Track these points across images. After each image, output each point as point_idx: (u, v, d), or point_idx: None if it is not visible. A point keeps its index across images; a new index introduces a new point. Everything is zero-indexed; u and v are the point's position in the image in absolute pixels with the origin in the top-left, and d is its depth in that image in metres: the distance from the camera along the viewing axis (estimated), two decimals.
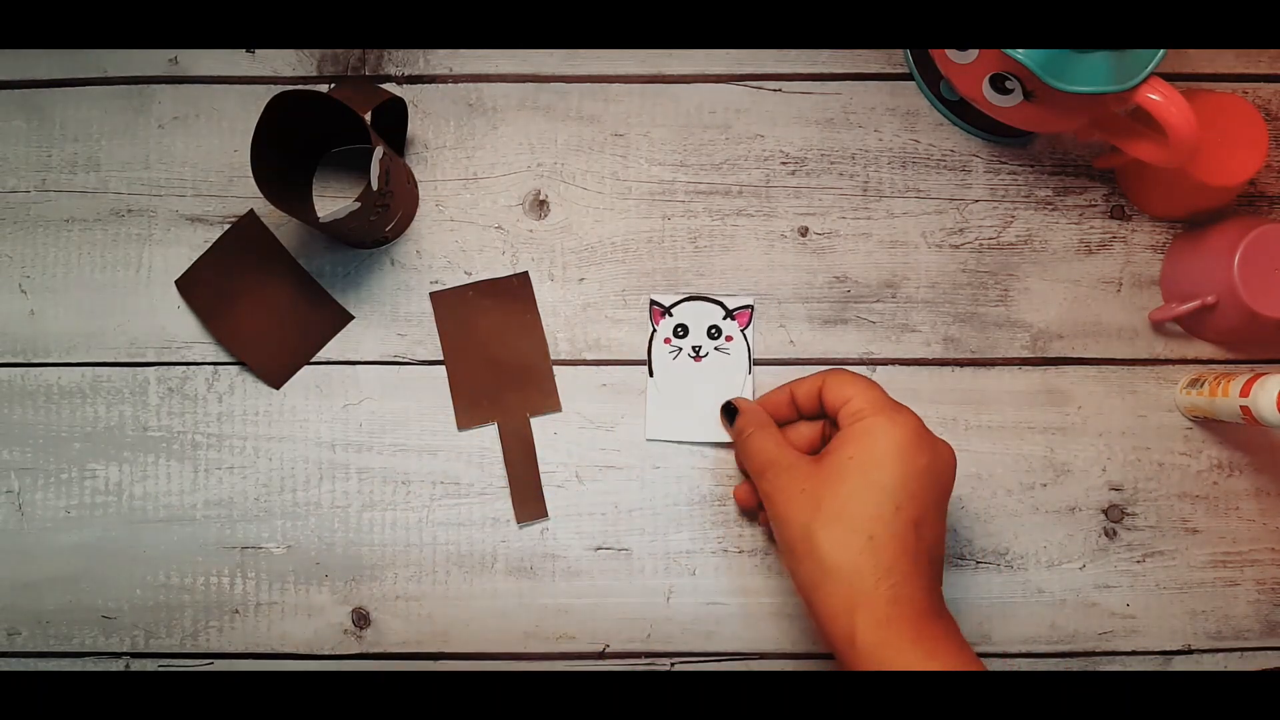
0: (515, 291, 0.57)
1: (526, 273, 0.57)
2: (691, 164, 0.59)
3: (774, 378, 0.57)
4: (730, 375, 0.57)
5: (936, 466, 0.46)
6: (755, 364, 0.57)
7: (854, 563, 0.43)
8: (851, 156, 0.59)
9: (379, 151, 0.49)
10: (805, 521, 0.45)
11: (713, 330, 0.58)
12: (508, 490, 0.56)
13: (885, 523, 0.44)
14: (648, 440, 0.57)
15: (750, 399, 0.56)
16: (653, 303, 0.58)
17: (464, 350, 0.56)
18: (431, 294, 0.57)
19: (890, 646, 0.41)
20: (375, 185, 0.49)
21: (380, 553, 0.56)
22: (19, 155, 0.58)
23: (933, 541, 0.45)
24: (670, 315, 0.58)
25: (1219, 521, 0.58)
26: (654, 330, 0.58)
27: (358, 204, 0.49)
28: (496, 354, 0.56)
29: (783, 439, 0.50)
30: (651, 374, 0.57)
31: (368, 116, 0.50)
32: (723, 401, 0.55)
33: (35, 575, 0.56)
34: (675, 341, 0.57)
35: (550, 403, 0.56)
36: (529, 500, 0.56)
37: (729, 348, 0.57)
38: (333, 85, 0.57)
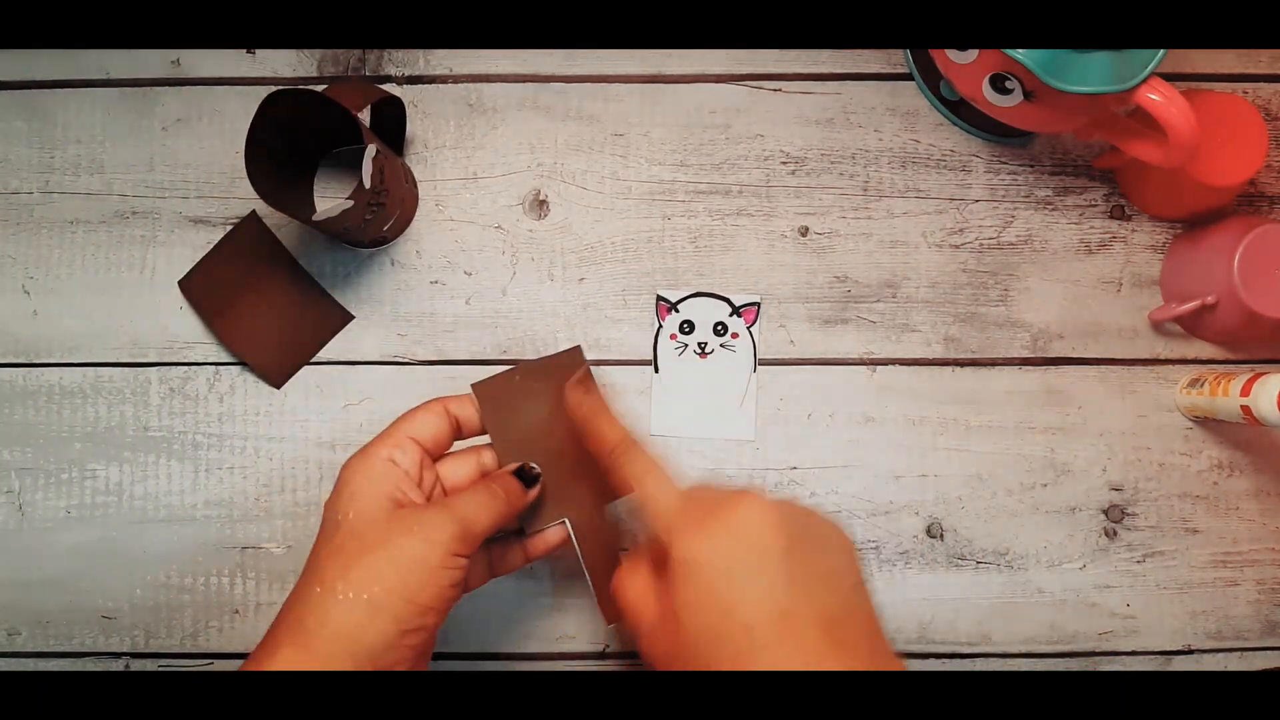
0: (567, 369, 0.49)
1: (579, 346, 0.49)
2: (691, 164, 0.59)
3: (776, 378, 0.57)
4: (735, 373, 0.57)
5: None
6: (758, 363, 0.57)
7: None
8: (851, 156, 0.59)
9: (371, 149, 0.49)
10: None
11: (719, 327, 0.58)
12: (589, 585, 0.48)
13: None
14: (652, 435, 0.57)
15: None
16: (659, 298, 0.58)
17: (517, 446, 0.48)
18: (473, 385, 0.48)
19: None
20: (368, 183, 0.49)
21: None
22: (21, 157, 0.58)
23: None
24: (676, 311, 0.58)
25: (1219, 521, 0.57)
26: (660, 326, 0.58)
27: (350, 202, 0.49)
28: (556, 444, 0.48)
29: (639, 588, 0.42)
30: (657, 370, 0.57)
31: (365, 115, 0.50)
32: None
33: (35, 575, 0.56)
34: (681, 338, 0.57)
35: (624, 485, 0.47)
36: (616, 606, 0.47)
37: (735, 345, 0.57)
38: (328, 85, 0.57)
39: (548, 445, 0.48)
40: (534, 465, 0.47)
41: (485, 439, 0.48)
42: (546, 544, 0.48)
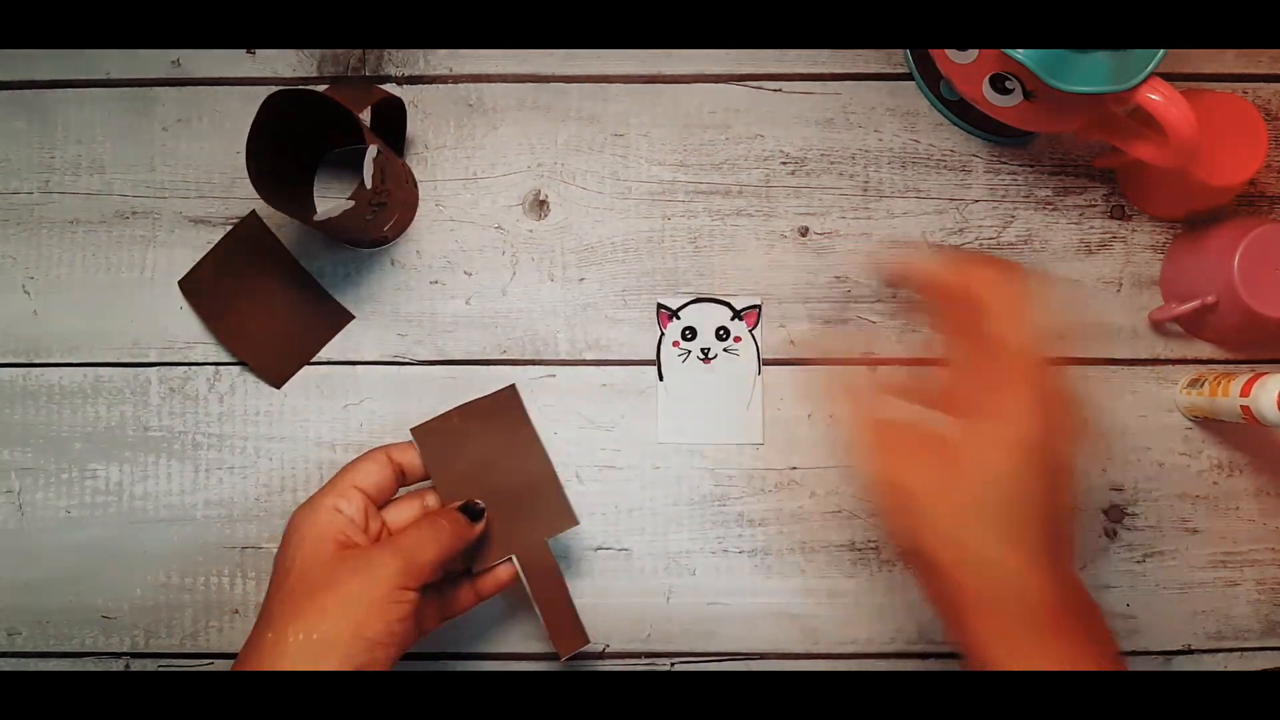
0: (503, 408, 0.51)
1: (513, 385, 0.51)
2: (691, 164, 0.59)
3: (777, 378, 0.57)
4: (740, 377, 0.57)
5: (1054, 464, 0.40)
6: (762, 365, 0.58)
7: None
8: (851, 156, 0.59)
9: (372, 150, 0.49)
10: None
11: (721, 331, 0.58)
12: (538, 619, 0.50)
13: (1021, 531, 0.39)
14: (660, 443, 0.57)
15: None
16: (660, 306, 0.58)
17: (459, 486, 0.49)
18: (412, 430, 0.49)
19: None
20: (369, 184, 0.49)
21: None
22: (21, 157, 0.58)
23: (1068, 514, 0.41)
24: (678, 318, 0.58)
25: (1219, 521, 0.57)
26: (662, 334, 0.58)
27: (351, 202, 0.49)
28: (497, 482, 0.49)
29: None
30: (661, 378, 0.57)
31: (365, 115, 0.50)
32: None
33: (35, 575, 0.56)
34: (684, 344, 0.57)
35: (565, 519, 0.50)
36: (567, 632, 0.50)
37: (737, 349, 0.57)
38: (328, 85, 0.57)
39: (489, 483, 0.49)
40: (478, 501, 0.48)
41: (429, 483, 0.50)
42: (496, 581, 0.50)
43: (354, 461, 0.48)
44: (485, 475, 0.49)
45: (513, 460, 0.50)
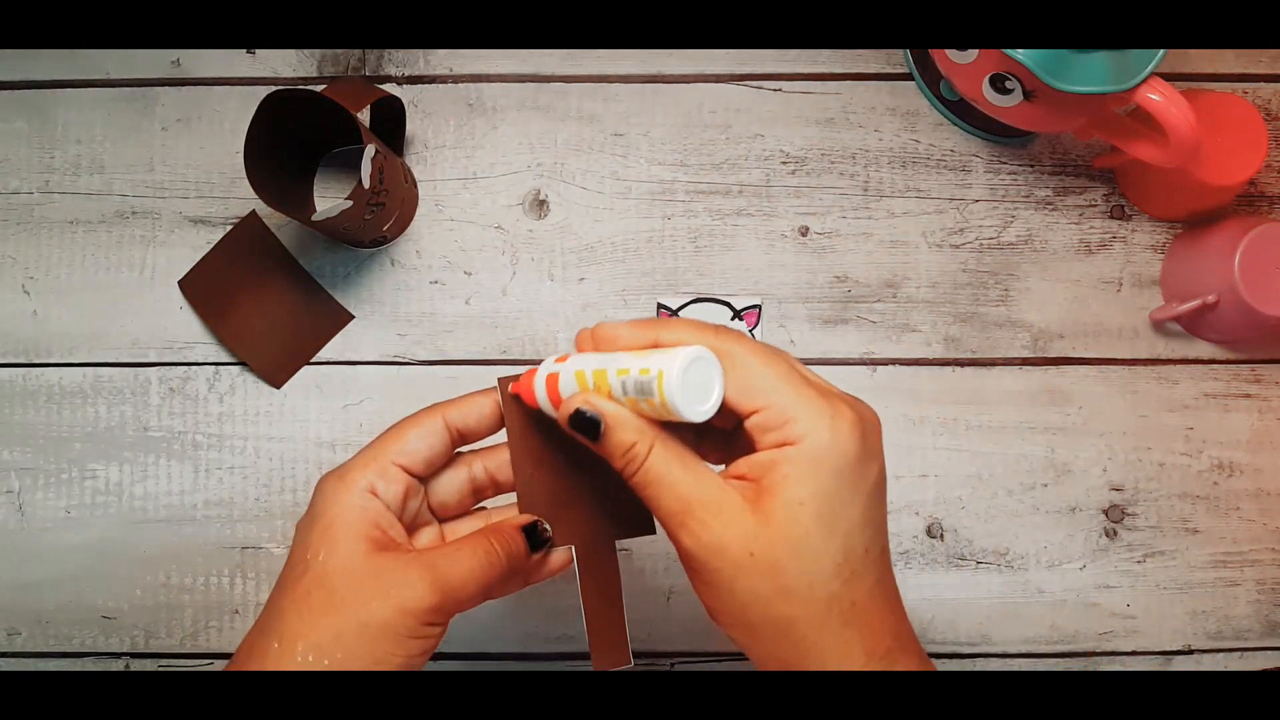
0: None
1: None
2: (691, 164, 0.59)
3: None
4: None
5: (881, 460, 0.35)
6: None
7: (838, 644, 0.35)
8: (852, 156, 0.59)
9: (370, 149, 0.49)
10: (765, 597, 0.34)
11: None
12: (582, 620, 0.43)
13: (860, 577, 0.34)
14: None
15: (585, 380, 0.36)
16: (660, 306, 0.58)
17: (540, 457, 0.41)
18: (500, 380, 0.41)
19: None
20: (367, 183, 0.49)
21: None
22: (21, 157, 0.58)
23: (887, 553, 0.37)
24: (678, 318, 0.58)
25: (1219, 521, 0.57)
26: None
27: (350, 202, 0.49)
28: (584, 459, 0.40)
29: (696, 458, 0.35)
30: None
31: (364, 115, 0.50)
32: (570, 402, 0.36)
33: (35, 575, 0.56)
34: None
35: (642, 523, 0.42)
36: (609, 646, 0.43)
37: None
38: (328, 85, 0.57)
39: (574, 458, 0.41)
40: (547, 526, 0.41)
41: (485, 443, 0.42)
42: (550, 567, 0.43)
43: (402, 424, 0.40)
44: (573, 448, 0.40)
45: None
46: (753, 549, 0.34)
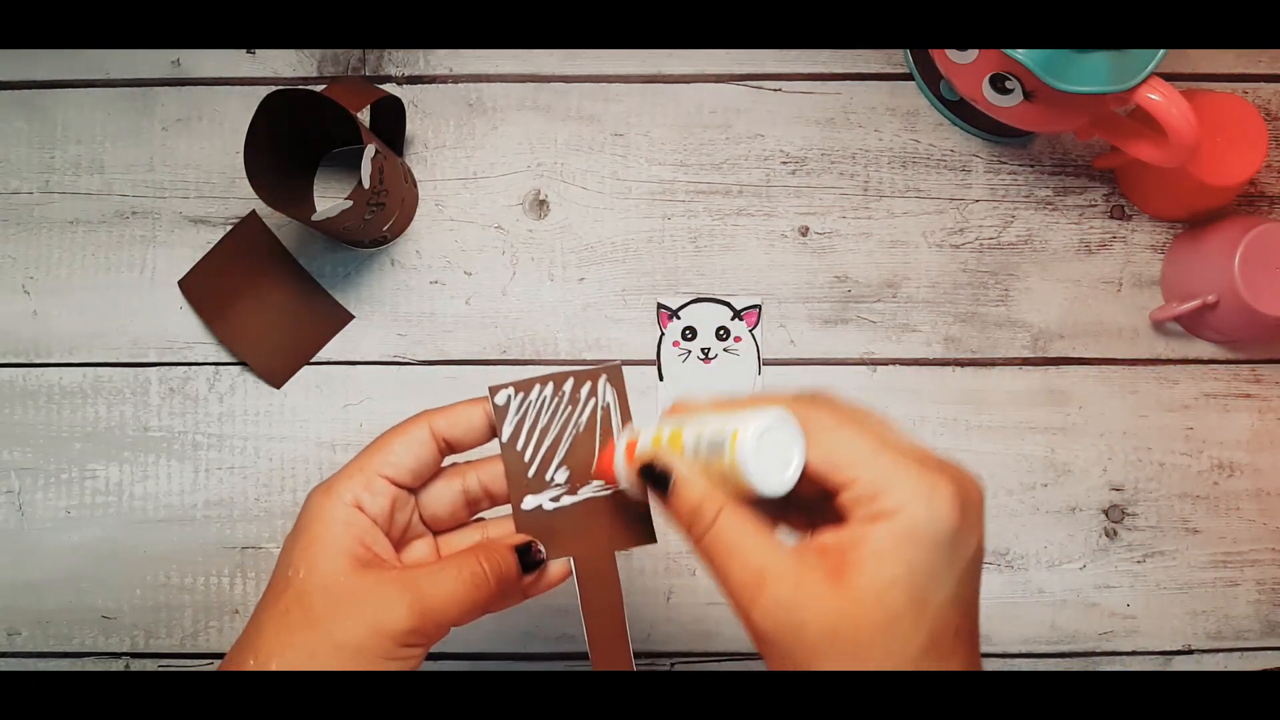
0: (600, 390, 0.41)
1: (619, 365, 0.40)
2: (691, 164, 0.59)
3: (777, 378, 0.57)
4: (740, 377, 0.57)
5: (980, 533, 0.32)
6: (762, 365, 0.58)
7: None
8: (852, 156, 0.59)
9: (370, 149, 0.49)
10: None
11: (721, 331, 0.58)
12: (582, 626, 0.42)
13: (946, 661, 0.32)
14: None
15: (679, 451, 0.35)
16: (660, 306, 0.58)
17: (533, 465, 0.41)
18: (491, 389, 0.40)
19: None
20: (367, 183, 0.50)
21: None
22: (21, 157, 0.58)
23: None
24: (678, 318, 0.58)
25: (1219, 521, 0.57)
26: (662, 334, 0.58)
27: (349, 202, 0.49)
28: (580, 466, 0.41)
29: (769, 529, 0.32)
30: (661, 378, 0.57)
31: (364, 115, 0.50)
32: (639, 462, 0.35)
33: (35, 575, 0.56)
34: (684, 344, 0.57)
35: (643, 533, 0.40)
36: (612, 657, 0.42)
37: (738, 349, 0.57)
38: (328, 85, 0.57)
39: (570, 463, 0.40)
40: (541, 547, 0.40)
41: (473, 455, 0.41)
42: (548, 580, 0.42)
43: (387, 435, 0.38)
44: (567, 457, 0.40)
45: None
46: (837, 628, 0.31)
